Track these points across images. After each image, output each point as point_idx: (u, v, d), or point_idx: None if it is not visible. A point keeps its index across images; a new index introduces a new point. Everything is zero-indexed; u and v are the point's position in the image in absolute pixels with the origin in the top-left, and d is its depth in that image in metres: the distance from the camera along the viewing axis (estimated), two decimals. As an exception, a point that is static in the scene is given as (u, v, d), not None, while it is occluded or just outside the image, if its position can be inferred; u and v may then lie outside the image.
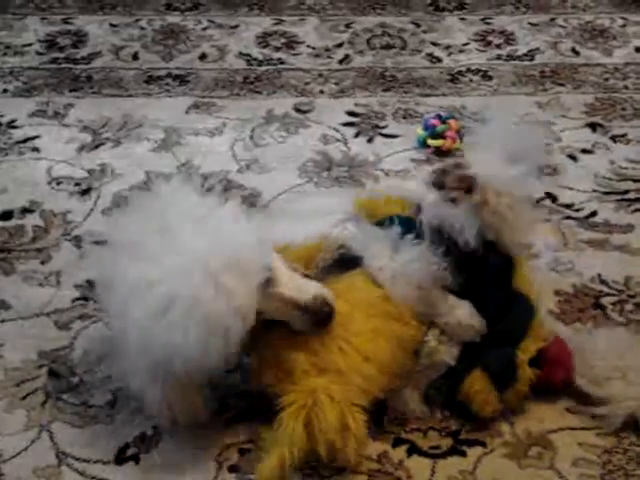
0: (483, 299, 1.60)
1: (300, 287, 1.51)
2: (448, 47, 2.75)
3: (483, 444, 1.57)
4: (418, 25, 2.87)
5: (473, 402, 1.58)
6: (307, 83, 2.57)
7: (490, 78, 2.59)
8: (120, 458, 1.56)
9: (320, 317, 1.50)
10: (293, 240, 1.67)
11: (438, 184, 1.62)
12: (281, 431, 1.46)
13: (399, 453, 1.56)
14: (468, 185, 1.60)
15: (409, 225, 1.62)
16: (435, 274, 1.57)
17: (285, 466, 1.45)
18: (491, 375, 1.57)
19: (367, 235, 1.64)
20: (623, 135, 2.34)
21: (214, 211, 1.52)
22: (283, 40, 2.79)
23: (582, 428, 1.59)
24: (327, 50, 2.74)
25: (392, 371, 1.54)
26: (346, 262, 1.63)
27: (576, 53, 2.71)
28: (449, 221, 1.61)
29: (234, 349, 1.44)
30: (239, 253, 1.45)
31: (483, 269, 1.61)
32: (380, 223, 1.65)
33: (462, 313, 1.59)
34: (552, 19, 2.90)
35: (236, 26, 2.86)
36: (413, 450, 1.57)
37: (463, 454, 1.56)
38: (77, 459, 1.56)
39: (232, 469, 1.54)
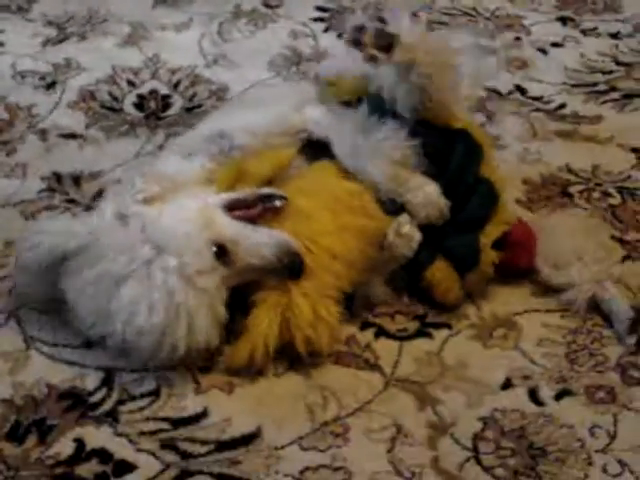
0: (448, 184, 1.60)
1: (258, 248, 1.48)
2: (419, -57, 2.72)
3: (449, 326, 1.59)
4: None
5: (436, 291, 1.59)
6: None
7: (462, -27, 2.56)
8: (89, 342, 1.55)
9: (291, 271, 1.48)
10: (253, 125, 1.65)
11: (355, 41, 1.53)
12: (255, 324, 1.47)
13: (367, 336, 1.58)
14: (388, 43, 1.52)
15: (378, 104, 1.61)
16: (405, 151, 1.57)
17: (255, 357, 1.47)
18: (453, 261, 1.58)
19: (333, 118, 1.63)
20: (593, 29, 2.33)
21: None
22: None
23: (547, 310, 1.61)
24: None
25: (360, 265, 1.55)
26: (311, 147, 1.63)
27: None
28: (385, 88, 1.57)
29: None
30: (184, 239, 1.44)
31: (449, 153, 1.61)
32: (348, 103, 1.65)
33: (429, 191, 1.58)
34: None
35: None
36: (380, 333, 1.58)
37: (429, 336, 1.58)
38: (46, 343, 1.55)
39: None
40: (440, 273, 1.58)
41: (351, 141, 1.59)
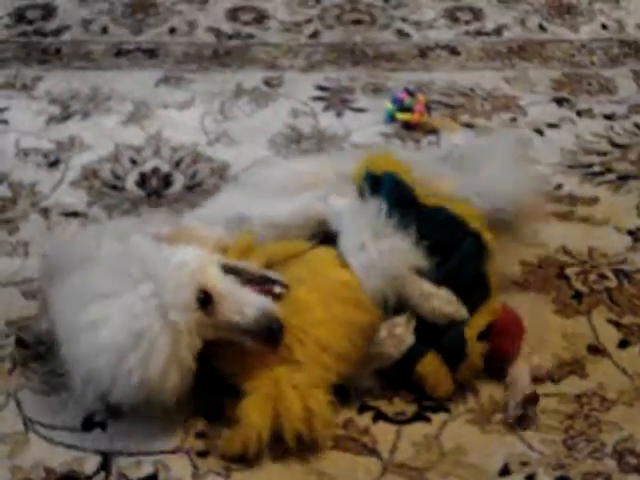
0: (445, 277, 1.62)
1: (242, 306, 1.48)
2: (417, 23, 2.76)
3: (447, 410, 1.59)
4: (387, 1, 2.87)
5: (426, 384, 1.59)
6: (276, 57, 2.58)
7: (458, 53, 2.60)
8: (87, 425, 1.56)
9: (269, 337, 1.49)
10: (274, 216, 1.67)
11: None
12: (247, 415, 1.48)
13: (365, 419, 1.58)
14: None
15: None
16: (411, 262, 1.60)
17: (248, 447, 1.48)
18: (443, 355, 1.58)
19: (350, 211, 1.65)
20: (588, 110, 2.36)
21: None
22: (253, 15, 2.79)
23: (545, 394, 1.61)
24: (297, 25, 2.74)
25: (350, 358, 1.56)
26: (326, 235, 1.66)
27: (543, 29, 2.73)
28: None
29: (183, 382, 1.47)
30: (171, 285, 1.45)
31: (454, 248, 1.65)
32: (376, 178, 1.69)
33: (438, 302, 1.60)
34: (521, -5, 2.92)
35: (206, 1, 2.85)
36: (378, 416, 1.58)
37: (428, 420, 1.58)
38: (44, 426, 1.56)
39: (199, 435, 1.55)
40: (431, 366, 1.58)
41: (360, 241, 1.60)
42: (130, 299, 1.44)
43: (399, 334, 1.57)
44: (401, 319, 1.58)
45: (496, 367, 1.63)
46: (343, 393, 1.56)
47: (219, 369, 1.55)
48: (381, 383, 1.61)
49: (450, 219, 1.69)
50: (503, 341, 1.63)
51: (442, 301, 1.60)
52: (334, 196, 1.70)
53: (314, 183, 1.75)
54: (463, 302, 1.61)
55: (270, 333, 1.48)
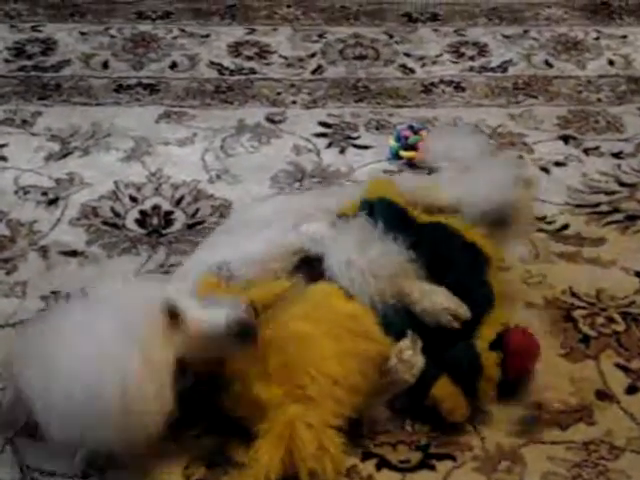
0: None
1: (210, 313, 1.47)
2: (421, 58, 2.75)
3: (453, 458, 1.56)
4: (391, 36, 2.87)
5: (442, 408, 1.57)
6: (279, 93, 2.56)
7: (463, 90, 2.59)
8: (86, 471, 1.53)
9: (242, 339, 1.47)
10: (250, 254, 1.65)
11: None
12: (257, 457, 1.45)
13: (368, 467, 1.54)
14: None
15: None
16: (404, 263, 1.59)
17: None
18: (457, 373, 1.56)
19: (330, 232, 1.64)
20: (595, 148, 2.34)
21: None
22: (255, 50, 2.78)
23: (552, 442, 1.58)
24: (300, 60, 2.73)
25: (362, 390, 1.54)
26: (309, 264, 1.63)
27: (549, 65, 2.72)
28: None
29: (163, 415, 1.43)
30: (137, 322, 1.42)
31: (452, 263, 1.66)
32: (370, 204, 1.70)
33: (438, 298, 1.59)
34: (525, 31, 2.90)
35: (207, 35, 2.84)
36: (382, 464, 1.55)
37: (432, 468, 1.54)
38: (42, 473, 1.53)
39: (200, 484, 1.52)
40: (446, 389, 1.56)
41: (345, 257, 1.58)
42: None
43: (408, 358, 1.55)
44: (406, 342, 1.56)
45: (509, 386, 1.61)
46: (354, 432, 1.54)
47: (230, 412, 1.53)
48: (392, 412, 1.59)
49: (446, 233, 1.69)
50: (519, 359, 1.60)
51: (442, 296, 1.60)
52: (305, 224, 1.69)
53: (298, 217, 1.74)
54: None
55: (242, 335, 1.46)
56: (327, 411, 1.49)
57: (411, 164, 2.25)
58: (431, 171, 2.19)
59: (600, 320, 1.82)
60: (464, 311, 1.60)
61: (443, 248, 1.68)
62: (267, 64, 2.71)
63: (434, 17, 2.97)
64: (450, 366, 1.57)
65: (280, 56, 2.75)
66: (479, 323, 1.61)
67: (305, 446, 1.45)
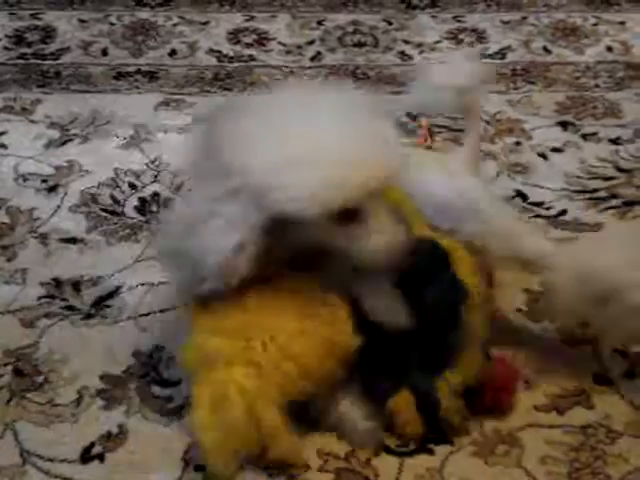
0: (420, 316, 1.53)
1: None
2: (420, 45, 2.75)
3: (451, 442, 1.56)
4: (390, 23, 2.86)
5: (395, 421, 1.55)
6: (278, 80, 2.56)
7: (462, 76, 2.58)
8: (85, 457, 1.54)
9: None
10: None
11: None
12: (191, 419, 1.47)
13: (366, 451, 1.55)
14: None
15: None
16: None
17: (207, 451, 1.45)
18: (417, 403, 1.53)
19: None
20: (594, 134, 2.34)
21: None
22: (254, 37, 2.78)
23: (549, 426, 1.59)
24: (298, 47, 2.73)
25: (315, 375, 1.49)
26: None
27: (548, 51, 2.72)
28: None
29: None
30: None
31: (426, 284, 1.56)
32: None
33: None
34: (524, 17, 2.90)
35: (207, 22, 2.84)
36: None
37: (431, 452, 1.55)
38: (42, 458, 1.54)
39: (198, 468, 1.52)
40: (403, 403, 1.54)
41: None
42: None
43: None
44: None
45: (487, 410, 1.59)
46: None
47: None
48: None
49: (434, 251, 1.58)
50: (500, 394, 1.58)
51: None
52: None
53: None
54: (438, 344, 1.54)
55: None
56: (272, 383, 1.46)
57: (410, 150, 2.25)
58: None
59: (597, 304, 1.82)
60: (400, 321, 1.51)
61: (426, 264, 1.56)
62: (266, 51, 2.71)
63: (433, 4, 2.97)
64: (413, 391, 1.54)
65: (279, 43, 2.74)
66: (450, 361, 1.54)
67: (233, 410, 1.43)
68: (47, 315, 1.80)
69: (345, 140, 1.38)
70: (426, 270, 1.55)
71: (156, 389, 1.66)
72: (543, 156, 2.26)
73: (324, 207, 1.37)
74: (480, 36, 2.79)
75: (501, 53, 2.70)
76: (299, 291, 1.53)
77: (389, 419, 1.55)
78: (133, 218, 2.06)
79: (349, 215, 1.41)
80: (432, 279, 1.55)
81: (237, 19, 2.87)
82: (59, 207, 2.08)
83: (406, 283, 1.52)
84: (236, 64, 2.64)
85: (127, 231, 2.02)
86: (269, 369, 1.47)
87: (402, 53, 2.70)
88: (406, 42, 2.76)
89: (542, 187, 2.14)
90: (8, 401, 1.63)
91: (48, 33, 2.77)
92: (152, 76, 2.57)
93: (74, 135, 2.32)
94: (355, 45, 2.75)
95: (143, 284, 1.88)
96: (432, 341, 1.54)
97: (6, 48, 2.70)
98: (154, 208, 2.08)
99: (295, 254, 1.48)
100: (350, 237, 1.43)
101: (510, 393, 1.61)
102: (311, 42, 2.75)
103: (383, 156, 1.40)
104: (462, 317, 1.54)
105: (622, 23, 2.84)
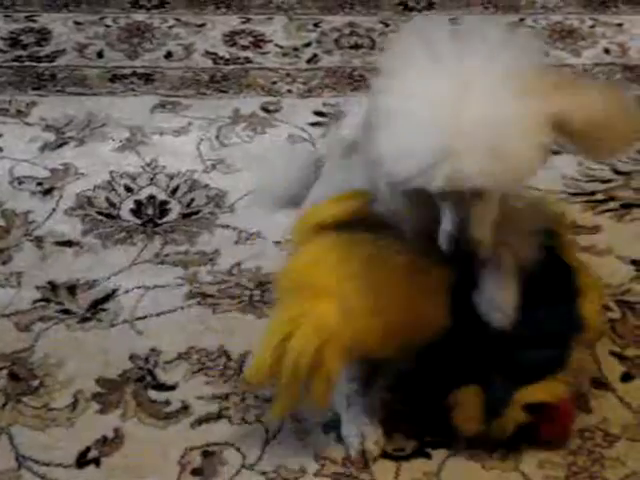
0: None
1: None
2: (416, 47, 2.74)
3: (448, 446, 1.56)
4: (387, 25, 2.86)
5: (455, 414, 1.51)
6: (274, 82, 2.55)
7: (458, 78, 2.57)
8: (81, 461, 1.54)
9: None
10: None
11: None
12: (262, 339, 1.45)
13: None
14: None
15: None
16: None
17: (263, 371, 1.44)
18: (485, 399, 1.50)
19: None
20: (591, 136, 2.33)
21: None
22: (250, 39, 2.77)
23: (548, 430, 1.59)
24: (295, 49, 2.72)
25: (396, 340, 1.44)
26: None
27: (544, 53, 2.71)
28: None
29: None
30: None
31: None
32: None
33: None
34: (521, 19, 2.89)
35: (203, 24, 2.83)
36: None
37: (428, 456, 1.55)
38: (37, 462, 1.54)
39: (195, 472, 1.52)
40: (470, 399, 1.50)
41: None
42: None
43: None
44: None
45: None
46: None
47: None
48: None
49: (570, 278, 1.53)
50: (549, 427, 1.54)
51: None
52: None
53: None
54: (533, 362, 1.51)
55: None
56: (352, 330, 1.42)
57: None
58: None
59: (594, 307, 1.82)
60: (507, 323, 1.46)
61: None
62: (262, 53, 2.70)
63: (429, 5, 2.96)
64: (484, 389, 1.51)
65: (275, 45, 2.74)
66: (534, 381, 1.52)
67: (300, 344, 1.41)
68: (42, 319, 1.80)
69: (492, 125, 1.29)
70: (554, 289, 1.52)
71: (152, 393, 1.66)
72: (540, 158, 2.25)
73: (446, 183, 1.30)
74: (477, 38, 2.78)
75: (498, 55, 2.69)
76: (411, 255, 1.46)
77: (448, 409, 1.52)
78: (129, 221, 2.05)
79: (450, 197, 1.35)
80: (556, 301, 1.51)
81: (233, 21, 2.86)
82: (54, 210, 2.08)
83: (529, 291, 1.47)
84: (232, 66, 2.63)
85: (123, 234, 2.01)
86: (355, 316, 1.42)
87: (399, 55, 2.69)
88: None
89: (540, 190, 2.13)
90: (3, 405, 1.63)
91: (43, 35, 2.76)
92: (148, 78, 2.56)
93: (69, 138, 2.31)
94: (352, 47, 2.74)
95: (139, 287, 1.88)
96: (529, 358, 1.51)
97: (1, 50, 2.69)
98: (150, 211, 2.07)
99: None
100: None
101: (566, 432, 1.58)
102: (308, 44, 2.75)
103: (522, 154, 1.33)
104: (568, 354, 1.53)
105: (619, 25, 2.83)
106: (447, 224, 1.36)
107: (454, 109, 1.28)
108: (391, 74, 1.36)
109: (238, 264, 1.94)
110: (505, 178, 1.31)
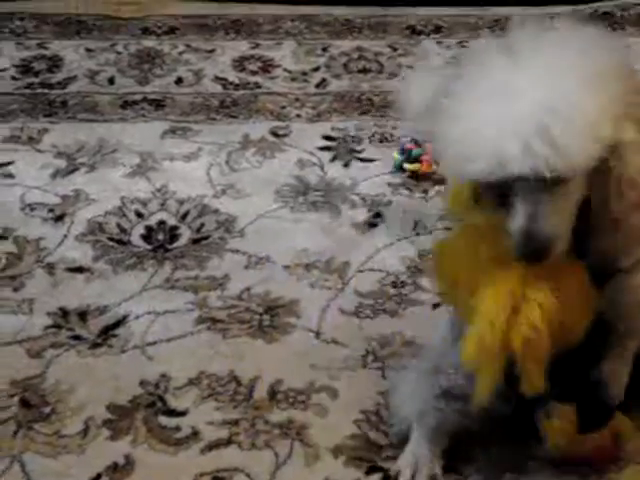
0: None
1: None
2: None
3: (458, 471, 1.56)
4: (395, 49, 2.87)
5: (549, 434, 1.51)
6: (283, 107, 2.57)
7: (466, 102, 2.58)
8: (94, 488, 1.55)
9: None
10: None
11: None
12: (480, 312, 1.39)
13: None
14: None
15: None
16: None
17: (485, 342, 1.37)
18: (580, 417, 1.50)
19: None
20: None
21: None
22: (259, 64, 2.79)
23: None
24: (304, 74, 2.74)
25: (569, 336, 1.41)
26: None
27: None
28: None
29: None
30: None
31: None
32: None
33: None
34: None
35: (212, 50, 2.85)
36: (386, 479, 1.56)
37: (439, 486, 1.56)
38: (49, 489, 1.55)
39: (205, 497, 1.53)
40: (565, 413, 1.50)
41: None
42: None
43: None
44: None
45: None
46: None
47: None
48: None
49: None
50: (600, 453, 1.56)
51: None
52: None
53: None
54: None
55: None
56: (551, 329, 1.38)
57: (415, 176, 2.26)
58: (436, 183, 2.20)
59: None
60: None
61: None
62: (271, 78, 2.71)
63: (437, 29, 2.98)
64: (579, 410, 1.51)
65: (284, 70, 2.75)
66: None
67: (528, 317, 1.36)
68: (54, 345, 1.81)
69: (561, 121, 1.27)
70: None
71: (163, 419, 1.67)
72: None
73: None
74: (485, 61, 2.79)
75: (506, 78, 2.70)
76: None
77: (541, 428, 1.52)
78: (139, 247, 2.06)
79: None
80: None
81: (242, 46, 2.88)
82: (66, 236, 2.09)
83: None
84: (242, 91, 2.65)
85: (133, 260, 2.03)
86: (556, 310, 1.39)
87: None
88: (411, 68, 2.76)
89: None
90: (15, 432, 1.64)
91: (55, 62, 2.78)
92: (158, 104, 2.58)
93: (80, 164, 2.33)
94: (360, 71, 2.75)
95: (150, 313, 1.89)
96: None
97: (13, 78, 2.71)
98: (160, 236, 2.09)
99: None
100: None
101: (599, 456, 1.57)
102: (316, 69, 2.76)
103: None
104: None
105: (626, 47, 2.84)
106: (519, 219, 1.34)
107: (526, 100, 1.29)
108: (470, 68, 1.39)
109: (248, 289, 1.95)
110: (559, 165, 1.28)
